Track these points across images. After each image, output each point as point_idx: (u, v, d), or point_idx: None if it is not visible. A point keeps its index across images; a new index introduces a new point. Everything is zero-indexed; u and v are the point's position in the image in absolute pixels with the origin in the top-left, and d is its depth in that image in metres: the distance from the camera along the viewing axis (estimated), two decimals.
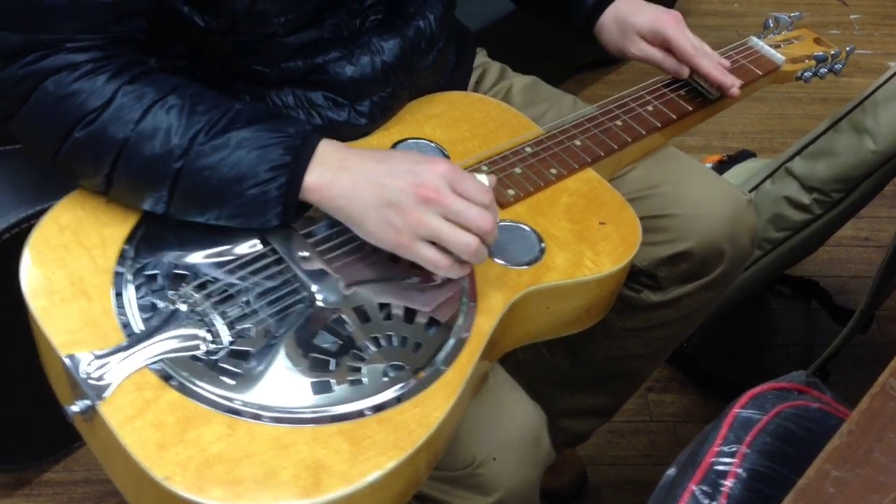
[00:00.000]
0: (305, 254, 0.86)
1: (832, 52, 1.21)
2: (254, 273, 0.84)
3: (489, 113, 1.05)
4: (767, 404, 0.82)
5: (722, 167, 1.61)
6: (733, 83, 1.06)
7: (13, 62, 0.80)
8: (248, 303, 0.82)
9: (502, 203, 0.94)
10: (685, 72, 1.08)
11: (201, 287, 0.83)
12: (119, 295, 0.81)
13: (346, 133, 0.96)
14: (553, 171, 0.98)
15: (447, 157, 0.99)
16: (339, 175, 0.83)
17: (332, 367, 0.80)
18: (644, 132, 1.03)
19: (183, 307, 0.81)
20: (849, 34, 2.50)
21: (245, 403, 0.76)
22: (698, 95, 1.09)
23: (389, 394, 0.78)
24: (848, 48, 1.22)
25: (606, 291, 0.95)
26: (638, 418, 1.58)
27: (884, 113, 1.28)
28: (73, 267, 0.83)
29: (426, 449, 0.77)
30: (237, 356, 0.79)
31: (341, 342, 0.81)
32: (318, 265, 0.85)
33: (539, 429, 0.92)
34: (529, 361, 1.24)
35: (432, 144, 1.00)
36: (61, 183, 0.88)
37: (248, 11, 0.87)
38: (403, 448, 0.75)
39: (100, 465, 0.84)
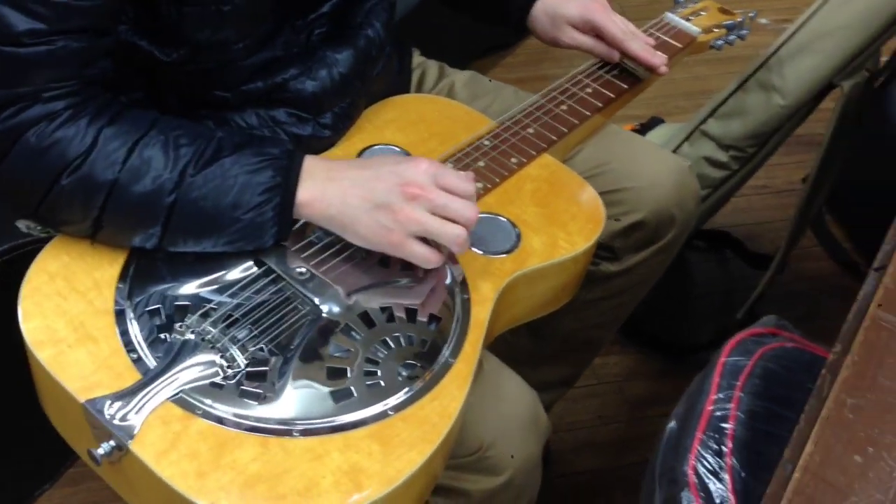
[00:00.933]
0: (302, 269, 0.88)
1: (738, 20, 1.30)
2: (255, 294, 0.86)
3: (441, 111, 1.09)
4: (749, 349, 0.89)
5: (638, 135, 1.68)
6: (662, 61, 1.13)
7: None
8: (255, 324, 0.84)
9: None
10: (616, 56, 1.14)
11: (206, 315, 0.84)
12: (125, 333, 0.82)
13: (312, 147, 0.98)
14: (514, 160, 1.02)
15: None
16: (328, 186, 0.86)
17: (349, 374, 0.82)
18: (588, 113, 1.09)
19: (192, 337, 0.82)
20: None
21: (272, 421, 0.78)
22: (631, 75, 1.15)
23: (407, 392, 0.81)
24: (750, 14, 1.31)
25: (580, 267, 1.01)
26: (586, 382, 1.62)
27: (790, 69, 1.38)
28: (73, 312, 0.82)
29: (448, 439, 0.81)
30: (256, 377, 0.81)
31: (353, 349, 0.84)
32: (316, 278, 0.88)
33: (535, 404, 0.97)
34: (493, 345, 1.28)
35: (397, 149, 1.03)
36: None
37: (209, 41, 0.88)
38: (431, 441, 0.79)
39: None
